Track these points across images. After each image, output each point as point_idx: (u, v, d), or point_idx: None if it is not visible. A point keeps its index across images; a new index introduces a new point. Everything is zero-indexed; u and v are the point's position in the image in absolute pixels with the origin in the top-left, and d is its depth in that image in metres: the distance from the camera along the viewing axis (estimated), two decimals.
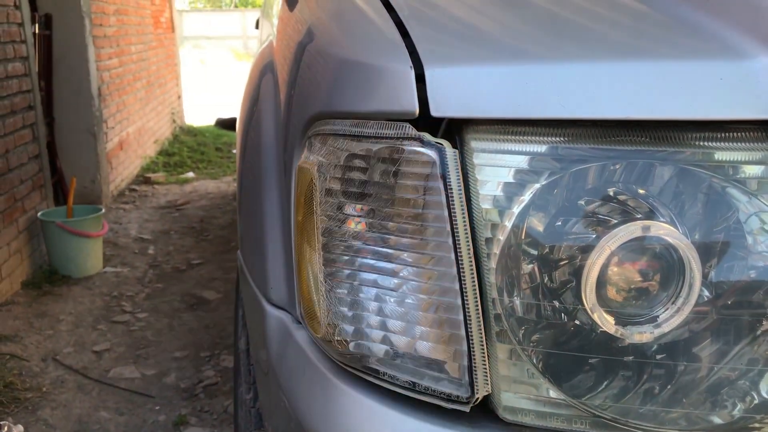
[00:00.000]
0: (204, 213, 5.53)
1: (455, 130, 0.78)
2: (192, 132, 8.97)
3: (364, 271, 0.81)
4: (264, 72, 1.39)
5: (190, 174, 6.83)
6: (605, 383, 0.73)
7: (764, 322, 0.72)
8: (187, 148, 7.89)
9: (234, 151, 7.42)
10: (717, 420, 0.73)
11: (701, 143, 0.72)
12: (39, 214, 4.08)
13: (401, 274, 0.78)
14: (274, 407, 1.04)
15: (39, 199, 4.20)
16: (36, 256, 4.10)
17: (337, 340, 0.82)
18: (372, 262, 0.80)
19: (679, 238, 0.71)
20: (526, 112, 0.74)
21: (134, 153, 6.54)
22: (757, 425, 0.73)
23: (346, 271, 0.82)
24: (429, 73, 0.76)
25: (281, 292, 1.03)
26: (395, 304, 0.78)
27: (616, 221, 0.72)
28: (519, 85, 0.74)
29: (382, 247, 0.79)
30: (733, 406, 0.73)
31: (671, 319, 0.72)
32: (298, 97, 1.02)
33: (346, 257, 0.82)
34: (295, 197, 0.95)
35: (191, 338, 3.37)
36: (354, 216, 0.81)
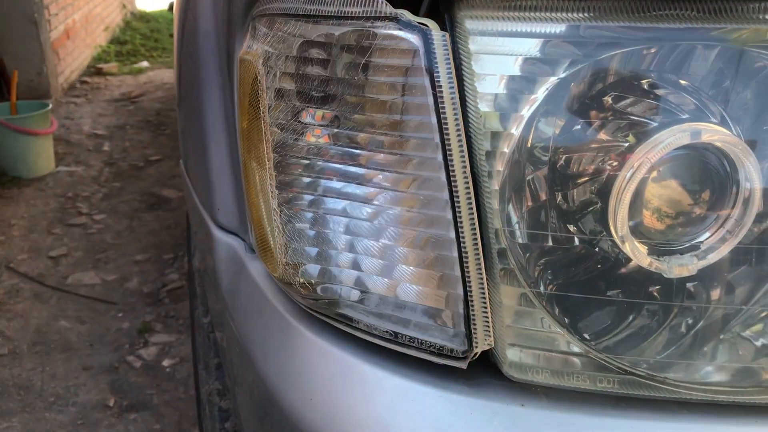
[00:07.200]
0: (160, 105, 5.22)
1: (442, 5, 0.59)
2: (144, 18, 8.39)
3: (330, 197, 0.63)
4: None
5: (144, 63, 6.43)
6: (638, 332, 0.58)
7: None
8: (139, 36, 7.40)
9: None
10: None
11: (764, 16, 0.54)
12: None
13: (377, 201, 0.61)
14: (228, 342, 0.89)
15: None
16: None
17: (300, 283, 0.66)
18: (339, 185, 0.62)
19: (735, 144, 0.54)
20: None
21: (83, 42, 6.09)
22: None
23: (307, 197, 0.64)
24: None
25: (230, 215, 0.85)
26: (370, 237, 0.61)
27: (656, 124, 0.55)
28: None
29: (352, 165, 0.61)
30: None
31: (720, 246, 0.57)
32: None
33: (307, 179, 0.64)
34: (239, 98, 0.76)
35: (152, 240, 3.20)
36: (314, 125, 0.63)
